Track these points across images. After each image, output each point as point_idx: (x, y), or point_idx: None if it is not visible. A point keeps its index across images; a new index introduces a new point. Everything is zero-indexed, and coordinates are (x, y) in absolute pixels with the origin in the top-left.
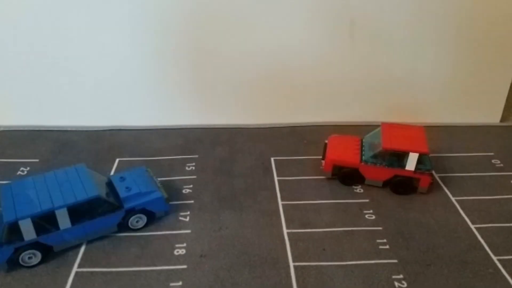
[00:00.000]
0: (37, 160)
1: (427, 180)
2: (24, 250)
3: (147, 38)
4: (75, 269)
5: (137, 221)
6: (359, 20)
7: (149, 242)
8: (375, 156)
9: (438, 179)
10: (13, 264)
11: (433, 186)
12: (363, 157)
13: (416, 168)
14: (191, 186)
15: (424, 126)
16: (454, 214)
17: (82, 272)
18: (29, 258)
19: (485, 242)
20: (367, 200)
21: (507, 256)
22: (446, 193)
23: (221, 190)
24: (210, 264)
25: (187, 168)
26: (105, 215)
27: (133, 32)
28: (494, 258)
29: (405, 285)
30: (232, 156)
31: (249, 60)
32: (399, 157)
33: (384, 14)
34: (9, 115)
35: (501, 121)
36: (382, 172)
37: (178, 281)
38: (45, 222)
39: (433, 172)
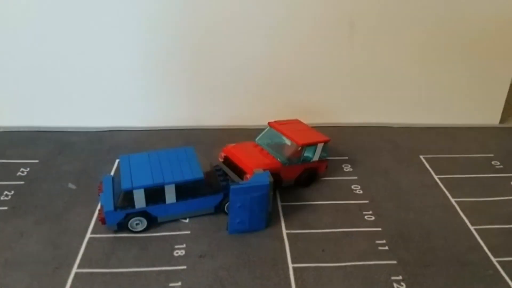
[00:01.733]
0: (37, 161)
1: (324, 166)
2: (133, 216)
3: (147, 39)
4: (74, 269)
5: None
6: (359, 21)
7: (149, 243)
8: (291, 156)
9: (438, 180)
10: (122, 227)
11: (431, 188)
12: (280, 159)
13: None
14: None
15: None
16: (454, 215)
17: (82, 272)
18: (136, 224)
19: (485, 243)
20: (366, 201)
21: (507, 257)
22: (445, 194)
23: None
24: (210, 264)
25: None
26: (205, 196)
27: (133, 33)
28: (494, 259)
29: (404, 286)
30: None
31: (248, 61)
32: (305, 152)
33: (384, 15)
34: (9, 115)
35: (501, 122)
36: (296, 170)
37: (177, 282)
38: (154, 194)
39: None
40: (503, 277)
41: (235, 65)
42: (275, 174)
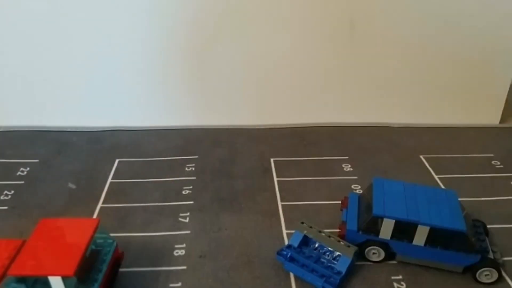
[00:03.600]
0: (37, 161)
1: None
2: (373, 244)
3: (147, 39)
4: None
5: (486, 275)
6: (359, 21)
7: (149, 242)
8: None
9: (438, 180)
10: (359, 249)
11: None
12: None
13: None
14: (190, 187)
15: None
16: None
17: None
18: (373, 253)
19: None
20: None
21: (507, 257)
22: None
23: (221, 191)
24: (210, 265)
25: (186, 169)
26: (458, 251)
27: (133, 33)
28: None
29: (404, 286)
30: (231, 157)
31: (248, 61)
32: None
33: (384, 15)
34: (9, 115)
35: (501, 122)
36: None
37: (177, 282)
38: (403, 230)
39: None
40: (503, 277)
41: (235, 65)
42: None
